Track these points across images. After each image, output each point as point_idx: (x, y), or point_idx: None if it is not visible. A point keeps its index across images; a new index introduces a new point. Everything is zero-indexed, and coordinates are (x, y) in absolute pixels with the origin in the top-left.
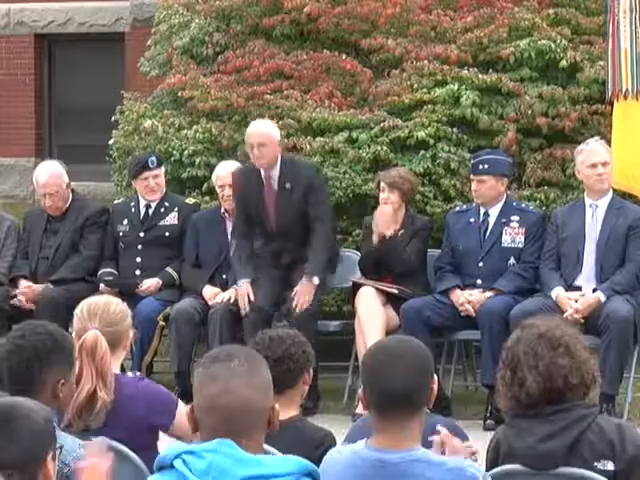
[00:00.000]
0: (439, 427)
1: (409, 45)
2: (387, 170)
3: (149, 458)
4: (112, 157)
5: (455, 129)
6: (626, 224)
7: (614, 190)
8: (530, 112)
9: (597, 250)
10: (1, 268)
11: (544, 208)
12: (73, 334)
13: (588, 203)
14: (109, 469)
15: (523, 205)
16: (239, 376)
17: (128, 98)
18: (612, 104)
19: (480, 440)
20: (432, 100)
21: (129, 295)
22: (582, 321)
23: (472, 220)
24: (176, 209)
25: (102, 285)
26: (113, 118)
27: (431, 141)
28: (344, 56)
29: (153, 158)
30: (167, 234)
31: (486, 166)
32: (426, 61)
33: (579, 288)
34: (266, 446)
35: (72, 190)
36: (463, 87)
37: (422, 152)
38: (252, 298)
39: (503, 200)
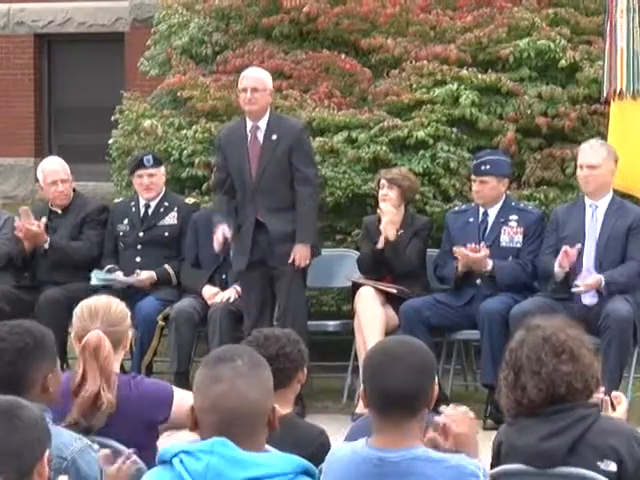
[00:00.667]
0: (437, 418)
1: (408, 45)
2: (388, 168)
3: (149, 457)
4: (112, 157)
5: (454, 129)
6: (626, 224)
7: (614, 190)
8: (529, 112)
9: (597, 250)
10: None
11: (544, 208)
12: (72, 334)
13: (588, 203)
14: None
15: (522, 205)
16: (243, 377)
17: (127, 98)
18: (608, 104)
19: (480, 440)
20: (431, 100)
21: (129, 295)
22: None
23: (471, 220)
24: (175, 209)
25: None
26: (113, 118)
27: (430, 141)
28: (343, 56)
29: (149, 157)
30: (166, 234)
31: (488, 167)
32: (425, 61)
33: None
34: (267, 446)
35: (73, 188)
36: (462, 87)
37: (421, 152)
38: (228, 236)
39: (502, 200)
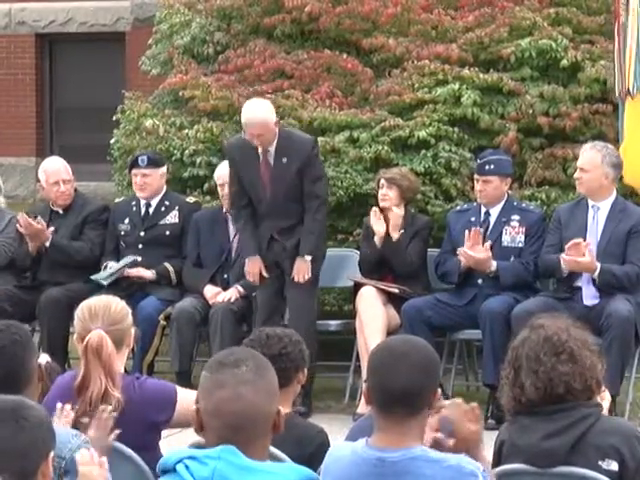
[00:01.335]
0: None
1: (410, 44)
2: (388, 168)
3: (151, 458)
4: (113, 157)
5: (456, 129)
6: (627, 227)
7: (625, 187)
8: (531, 111)
9: (597, 253)
10: None
11: (545, 208)
12: (75, 335)
13: (590, 204)
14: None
15: (524, 204)
16: (247, 382)
17: (129, 97)
18: (612, 103)
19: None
20: (433, 100)
21: (130, 294)
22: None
23: (473, 219)
24: (177, 208)
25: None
26: (114, 118)
27: (432, 141)
28: (345, 55)
29: (144, 157)
30: (168, 233)
31: (492, 166)
32: (427, 60)
33: (579, 289)
34: (271, 448)
35: (75, 188)
36: (464, 86)
37: (423, 152)
38: (264, 274)
39: (504, 200)
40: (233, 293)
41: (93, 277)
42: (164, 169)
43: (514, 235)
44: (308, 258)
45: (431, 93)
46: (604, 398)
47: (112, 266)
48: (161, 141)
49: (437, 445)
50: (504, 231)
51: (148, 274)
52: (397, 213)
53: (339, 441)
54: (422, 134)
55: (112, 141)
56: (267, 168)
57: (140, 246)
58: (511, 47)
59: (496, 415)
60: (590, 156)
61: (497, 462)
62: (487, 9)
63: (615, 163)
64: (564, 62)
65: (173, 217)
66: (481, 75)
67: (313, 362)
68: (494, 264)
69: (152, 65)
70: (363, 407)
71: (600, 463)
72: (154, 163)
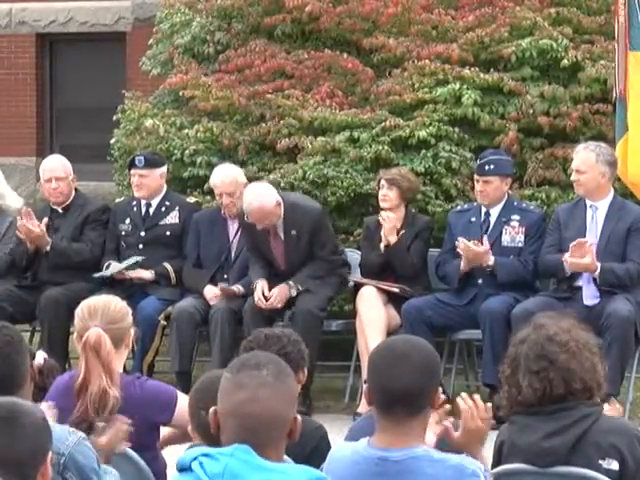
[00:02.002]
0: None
1: (410, 44)
2: (388, 169)
3: (150, 457)
4: (113, 157)
5: (456, 128)
6: (626, 225)
7: (616, 190)
8: (531, 111)
9: (597, 252)
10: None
11: (545, 208)
12: (75, 334)
13: (588, 204)
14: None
15: (524, 204)
16: (267, 386)
17: (129, 97)
18: (612, 103)
19: None
20: (433, 99)
21: (130, 294)
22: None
23: (473, 219)
24: (177, 208)
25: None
26: (114, 117)
27: (432, 140)
28: (345, 55)
29: (142, 157)
30: (168, 233)
31: (492, 167)
32: (427, 60)
33: (579, 289)
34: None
35: (75, 188)
36: (464, 86)
37: (423, 151)
38: (267, 293)
39: (504, 200)
40: (235, 290)
41: (96, 275)
42: (163, 169)
43: (514, 235)
44: (293, 292)
45: (431, 93)
46: (615, 410)
47: (115, 266)
48: (161, 141)
49: (445, 434)
50: (504, 231)
51: (147, 275)
52: (392, 217)
53: (339, 441)
54: (422, 134)
55: (112, 141)
56: (278, 242)
57: (140, 246)
58: (511, 47)
59: (496, 415)
60: (584, 157)
61: (497, 462)
62: (487, 9)
63: (610, 161)
64: (564, 62)
65: (173, 217)
66: (481, 75)
67: (313, 362)
68: (492, 258)
69: (152, 65)
70: (363, 407)
71: (601, 462)
72: (151, 164)
